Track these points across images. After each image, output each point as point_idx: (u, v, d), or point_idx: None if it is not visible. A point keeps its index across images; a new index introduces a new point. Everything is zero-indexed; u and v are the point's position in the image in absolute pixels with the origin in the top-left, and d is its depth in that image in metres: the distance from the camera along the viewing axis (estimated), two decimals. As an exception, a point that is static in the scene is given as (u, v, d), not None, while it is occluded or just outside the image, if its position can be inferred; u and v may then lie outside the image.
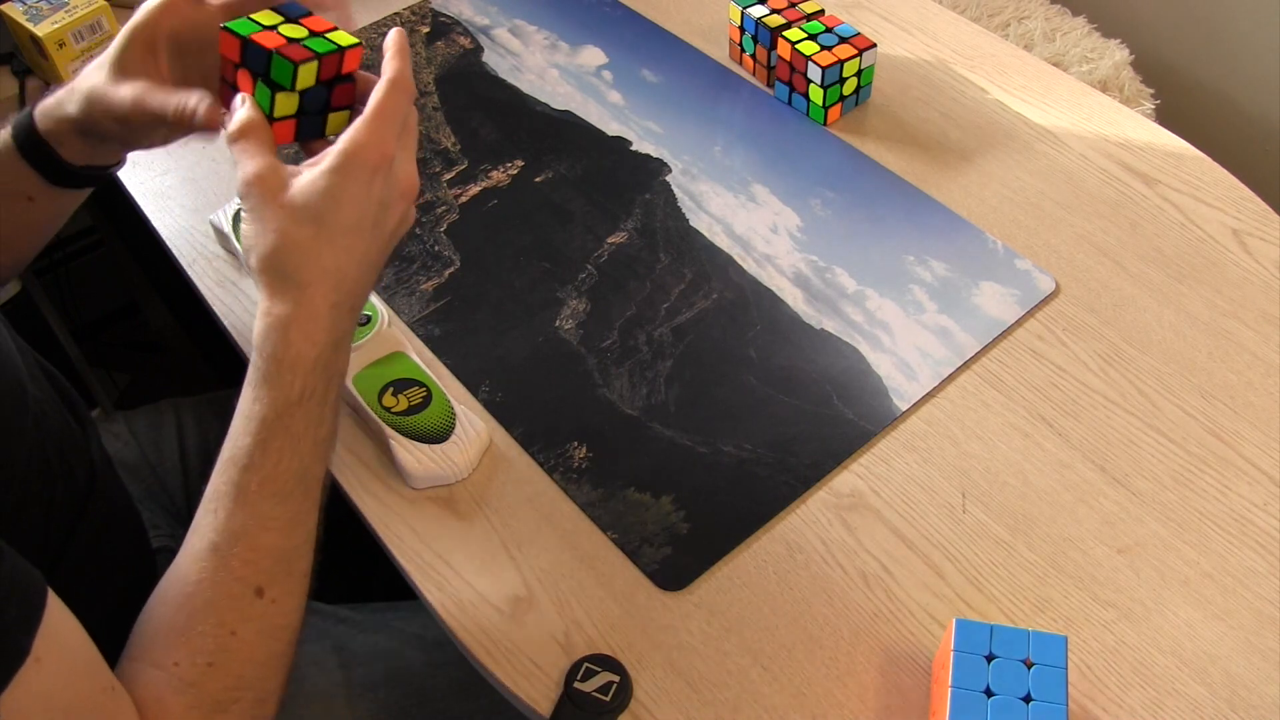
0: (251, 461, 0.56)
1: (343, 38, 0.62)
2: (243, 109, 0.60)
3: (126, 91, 0.64)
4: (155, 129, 0.66)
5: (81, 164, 0.70)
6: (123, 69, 0.65)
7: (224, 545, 0.56)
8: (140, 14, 0.65)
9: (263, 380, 0.57)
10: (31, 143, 0.69)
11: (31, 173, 0.69)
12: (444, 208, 0.86)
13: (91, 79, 0.66)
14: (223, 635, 0.56)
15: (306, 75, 0.60)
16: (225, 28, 0.61)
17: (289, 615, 0.59)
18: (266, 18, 0.62)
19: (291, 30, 0.61)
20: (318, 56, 0.60)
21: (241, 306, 0.80)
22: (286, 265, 0.56)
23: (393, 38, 0.61)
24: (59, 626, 0.50)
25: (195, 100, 0.62)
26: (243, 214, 0.58)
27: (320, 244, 0.57)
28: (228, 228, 0.81)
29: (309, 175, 0.57)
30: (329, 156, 0.58)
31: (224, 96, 0.62)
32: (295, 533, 0.58)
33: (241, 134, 0.59)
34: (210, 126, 0.62)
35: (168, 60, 0.66)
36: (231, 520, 0.56)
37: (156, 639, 0.56)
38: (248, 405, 0.57)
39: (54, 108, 0.68)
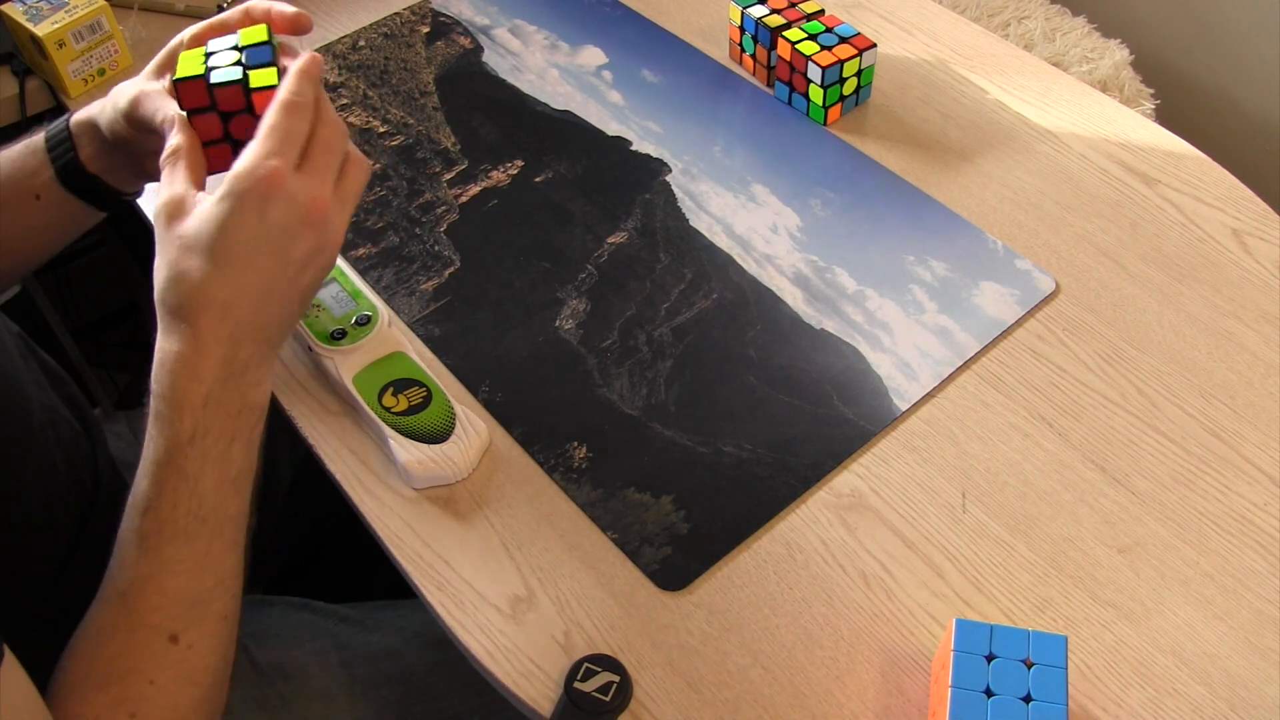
0: (148, 505, 0.55)
1: (265, 79, 0.61)
2: (173, 133, 0.59)
3: (137, 89, 0.64)
4: (152, 140, 0.67)
5: (94, 170, 0.70)
6: (159, 74, 0.66)
7: (130, 592, 0.55)
8: (177, 38, 0.66)
9: (153, 420, 0.55)
10: (58, 137, 0.70)
11: (47, 167, 0.70)
12: (444, 208, 0.86)
13: (134, 79, 0.67)
14: (140, 684, 0.54)
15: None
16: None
17: (207, 658, 0.57)
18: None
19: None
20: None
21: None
22: (174, 298, 0.55)
23: (299, 61, 0.59)
24: (11, 684, 0.48)
25: (171, 112, 0.61)
26: None
27: (207, 276, 0.54)
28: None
29: (204, 204, 0.56)
30: (222, 183, 0.56)
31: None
32: (204, 575, 0.56)
33: (168, 159, 0.58)
34: None
35: None
36: (136, 566, 0.55)
37: (74, 690, 0.54)
38: (145, 447, 0.56)
39: (86, 109, 0.69)
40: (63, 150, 0.69)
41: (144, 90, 0.64)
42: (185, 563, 0.55)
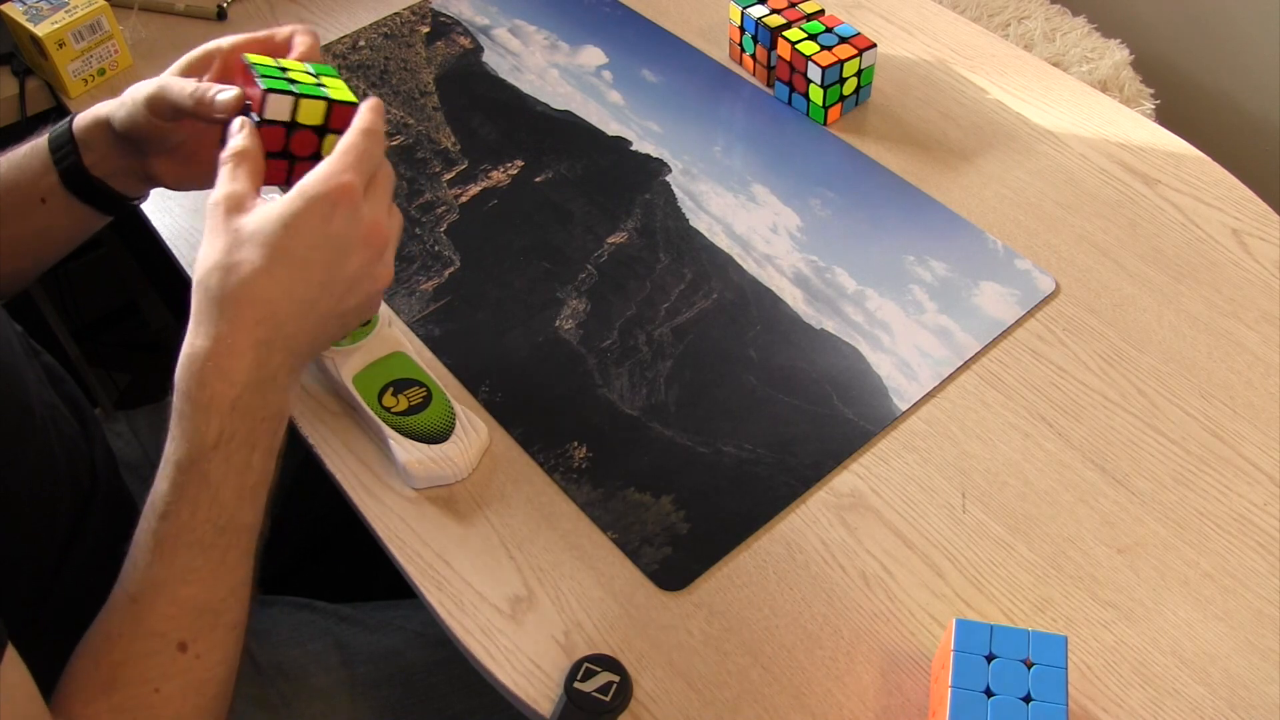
0: (167, 509, 0.54)
1: (342, 93, 0.63)
2: (240, 135, 0.59)
3: (160, 79, 0.65)
4: (175, 132, 0.67)
5: (98, 174, 0.70)
6: (185, 74, 0.67)
7: (142, 598, 0.54)
8: (214, 42, 0.67)
9: (176, 420, 0.54)
10: (60, 141, 0.70)
11: (52, 171, 0.70)
12: (444, 208, 0.86)
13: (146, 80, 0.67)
14: (145, 692, 0.53)
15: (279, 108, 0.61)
16: (245, 58, 0.63)
17: (215, 669, 0.56)
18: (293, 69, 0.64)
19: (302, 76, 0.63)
20: (297, 96, 0.61)
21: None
22: (218, 288, 0.54)
23: (372, 100, 0.61)
24: (11, 679, 0.48)
25: (216, 89, 0.62)
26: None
27: (258, 272, 0.54)
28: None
29: (268, 204, 0.56)
30: (292, 189, 0.56)
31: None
32: (218, 585, 0.55)
33: (231, 158, 0.58)
34: (226, 112, 0.61)
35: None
36: (150, 571, 0.54)
37: (79, 692, 0.53)
38: (166, 446, 0.55)
39: (94, 110, 0.70)
40: (66, 153, 0.69)
41: (169, 79, 0.64)
42: (199, 571, 0.55)
